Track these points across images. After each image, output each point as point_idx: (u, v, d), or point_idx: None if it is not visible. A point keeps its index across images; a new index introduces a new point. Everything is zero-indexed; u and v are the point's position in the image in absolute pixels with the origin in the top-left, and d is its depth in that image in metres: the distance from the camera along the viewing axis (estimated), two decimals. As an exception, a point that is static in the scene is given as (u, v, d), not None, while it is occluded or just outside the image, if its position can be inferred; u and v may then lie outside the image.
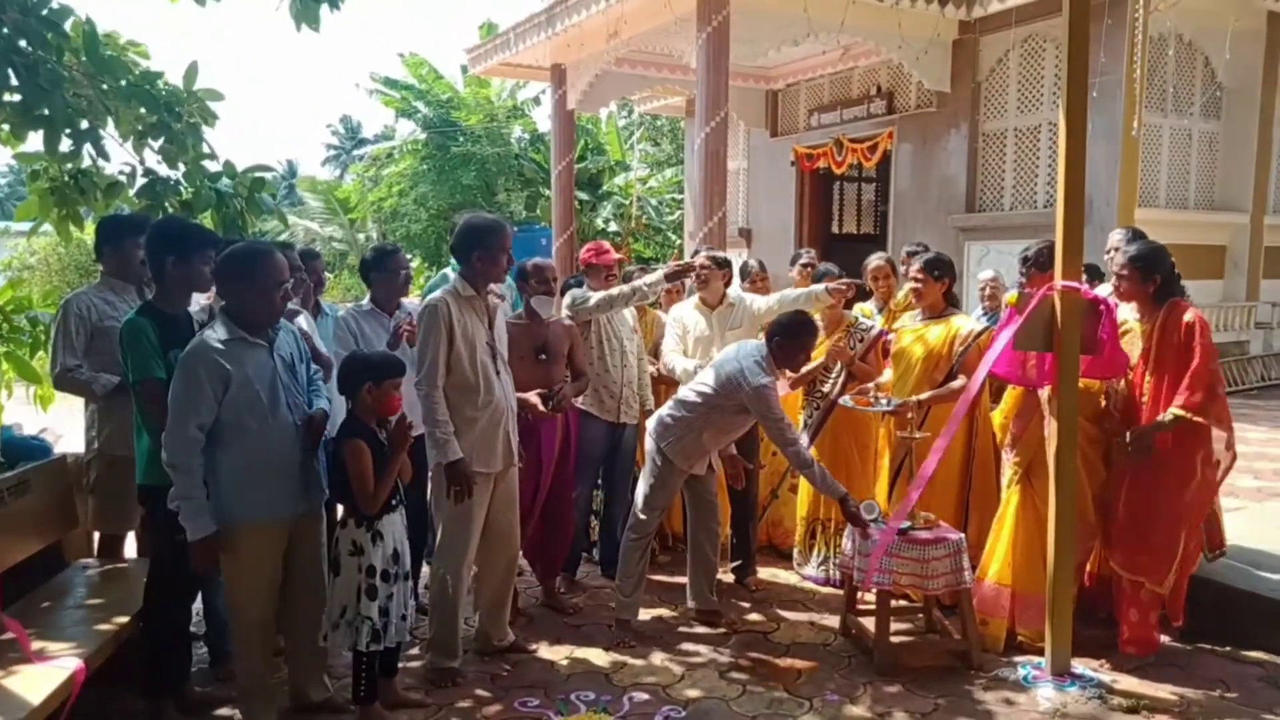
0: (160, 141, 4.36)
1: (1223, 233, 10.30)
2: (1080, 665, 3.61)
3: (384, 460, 3.20)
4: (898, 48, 9.56)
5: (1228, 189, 10.31)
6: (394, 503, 3.29)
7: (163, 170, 4.40)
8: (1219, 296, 10.26)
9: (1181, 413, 3.52)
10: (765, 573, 4.83)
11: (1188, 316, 3.65)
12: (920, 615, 4.12)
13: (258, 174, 4.48)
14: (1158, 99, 9.57)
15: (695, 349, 4.67)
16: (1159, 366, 3.67)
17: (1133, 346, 3.76)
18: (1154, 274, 3.73)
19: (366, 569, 3.16)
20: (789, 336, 3.97)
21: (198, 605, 3.73)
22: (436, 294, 3.63)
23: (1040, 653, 3.67)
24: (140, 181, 4.28)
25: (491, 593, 3.88)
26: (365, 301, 4.25)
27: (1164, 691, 3.47)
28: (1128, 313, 3.88)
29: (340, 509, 3.29)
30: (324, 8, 4.11)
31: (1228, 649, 3.80)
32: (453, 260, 4.05)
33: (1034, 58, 9.89)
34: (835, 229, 13.73)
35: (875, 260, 5.34)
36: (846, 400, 4.39)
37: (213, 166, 4.43)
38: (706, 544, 4.28)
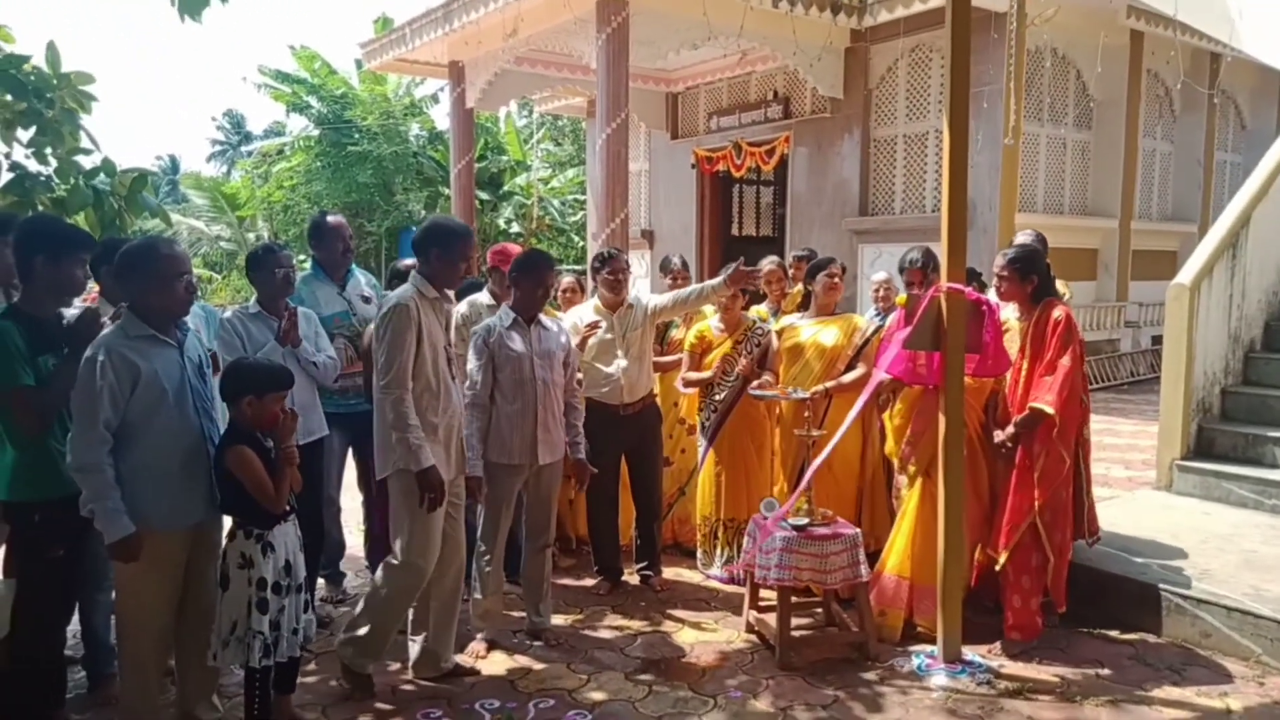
0: (31, 132, 4.11)
1: (1094, 237, 10.91)
2: (970, 652, 3.76)
3: (271, 468, 3.08)
4: (793, 54, 9.78)
5: (1099, 195, 10.94)
6: (286, 512, 3.17)
7: (32, 166, 4.14)
8: (1092, 297, 10.87)
9: (1049, 410, 3.73)
10: (670, 572, 4.85)
11: (1056, 313, 3.89)
12: (820, 609, 4.22)
13: (138, 174, 4.27)
14: (1035, 109, 10.08)
15: (597, 353, 4.65)
16: (1033, 361, 3.90)
17: (1013, 344, 3.96)
18: (1031, 274, 3.96)
19: (257, 582, 3.03)
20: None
21: (73, 627, 3.52)
22: (403, 293, 3.47)
23: (935, 641, 3.81)
24: (6, 176, 4.02)
25: (440, 607, 3.68)
26: (251, 303, 4.07)
27: (1046, 674, 3.66)
28: (1009, 313, 4.11)
29: (230, 521, 3.16)
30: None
31: (1102, 631, 4.03)
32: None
33: (921, 67, 10.28)
34: (735, 231, 13.96)
35: (767, 264, 5.44)
36: (760, 392, 4.44)
37: (91, 161, 4.20)
38: (530, 558, 4.14)
